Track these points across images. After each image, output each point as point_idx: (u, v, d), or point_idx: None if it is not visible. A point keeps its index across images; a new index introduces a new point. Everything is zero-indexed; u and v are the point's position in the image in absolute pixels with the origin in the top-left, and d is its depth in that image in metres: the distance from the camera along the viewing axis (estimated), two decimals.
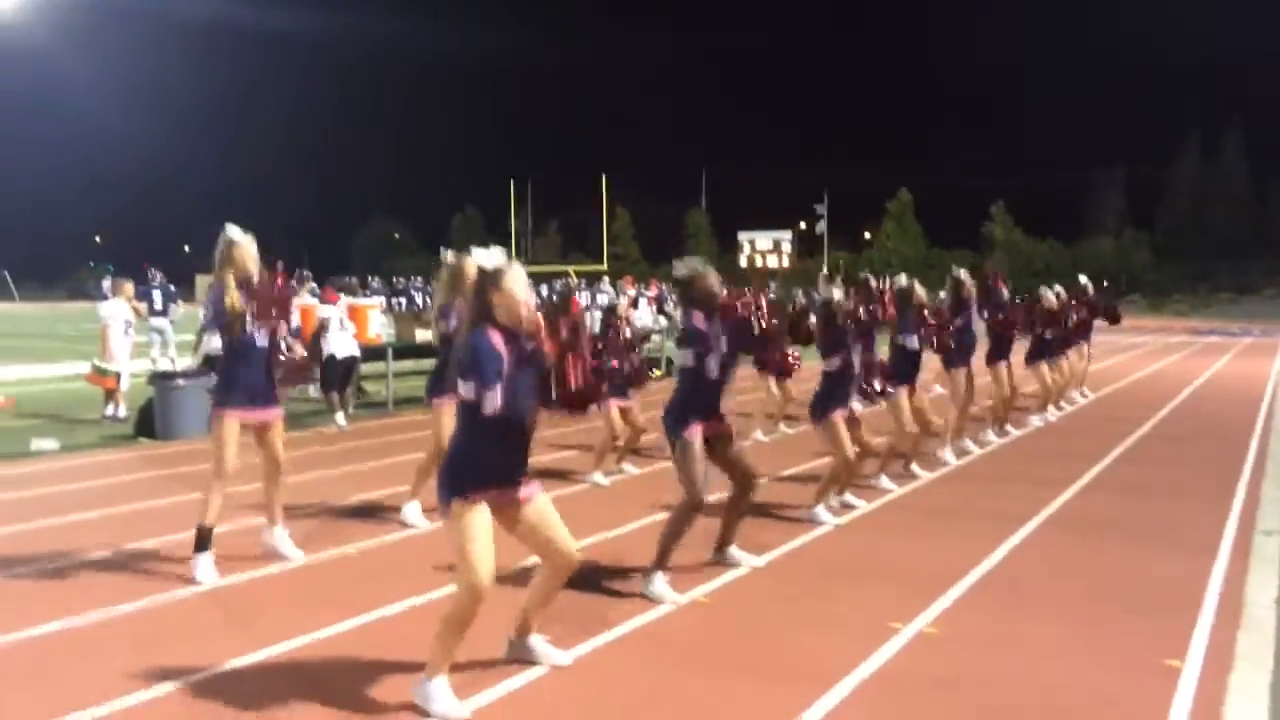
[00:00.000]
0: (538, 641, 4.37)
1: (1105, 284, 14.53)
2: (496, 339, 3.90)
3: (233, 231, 5.77)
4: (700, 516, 5.47)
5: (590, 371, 4.05)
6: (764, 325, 5.66)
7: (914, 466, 8.66)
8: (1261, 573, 5.79)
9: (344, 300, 13.28)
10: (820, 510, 7.06)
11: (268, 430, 5.87)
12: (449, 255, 6.77)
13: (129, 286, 13.65)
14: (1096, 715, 3.93)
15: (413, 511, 6.92)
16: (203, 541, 5.64)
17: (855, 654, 4.46)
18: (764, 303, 5.78)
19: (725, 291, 5.73)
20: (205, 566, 5.61)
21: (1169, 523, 7.09)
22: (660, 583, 5.32)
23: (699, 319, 5.54)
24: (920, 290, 8.67)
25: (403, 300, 21.61)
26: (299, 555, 6.00)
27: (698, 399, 5.57)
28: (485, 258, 4.05)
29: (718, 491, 5.90)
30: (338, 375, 12.03)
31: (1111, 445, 10.36)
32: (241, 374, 5.74)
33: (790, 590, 5.51)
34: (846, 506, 7.37)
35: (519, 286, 3.97)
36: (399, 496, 7.39)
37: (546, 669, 4.28)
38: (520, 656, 4.34)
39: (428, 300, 21.01)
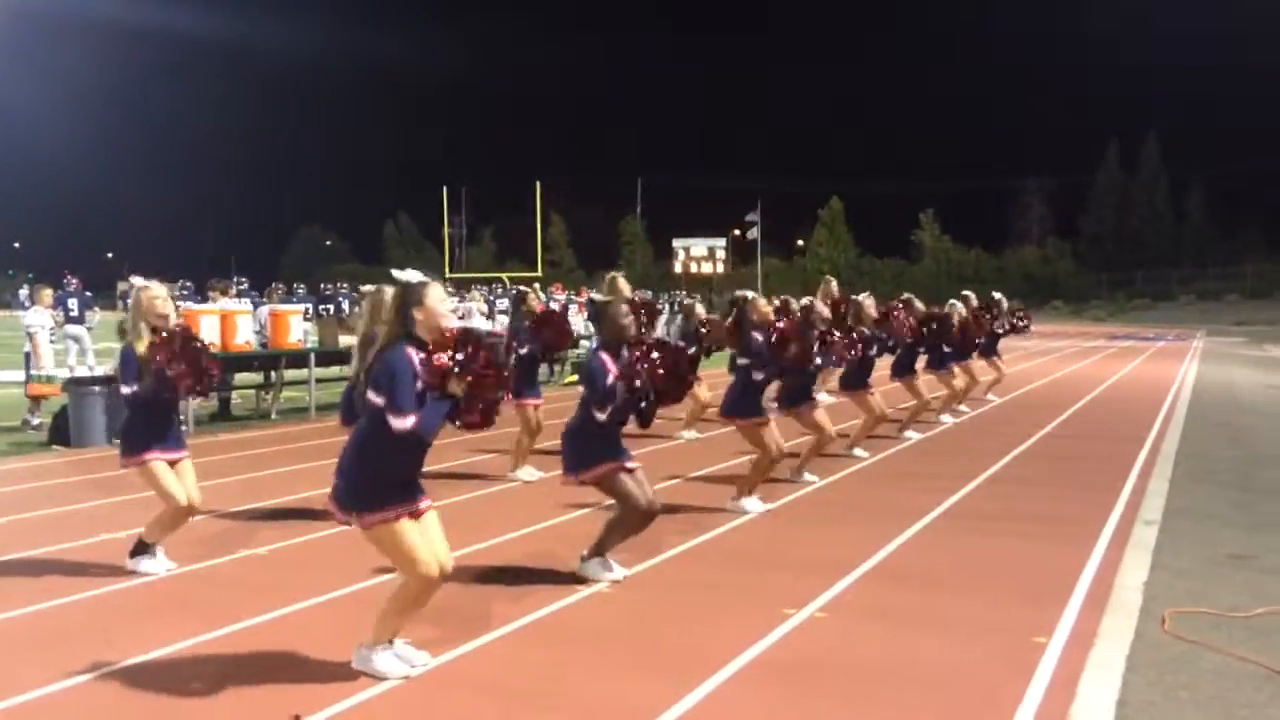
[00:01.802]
0: (401, 647, 4.34)
1: (1019, 313, 14.97)
2: (414, 356, 4.04)
3: (138, 280, 5.89)
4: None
5: (493, 403, 4.17)
6: (652, 381, 5.35)
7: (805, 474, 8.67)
8: (1135, 559, 6.13)
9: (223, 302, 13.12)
10: (747, 500, 7.35)
11: (177, 466, 5.88)
12: (370, 288, 6.97)
13: (48, 293, 13.50)
14: (961, 686, 4.18)
15: None
16: (143, 548, 5.78)
17: (746, 638, 4.67)
18: (655, 356, 5.43)
19: (634, 323, 5.71)
20: (152, 562, 5.76)
21: (1057, 514, 7.44)
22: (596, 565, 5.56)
23: (606, 360, 5.48)
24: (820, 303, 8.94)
25: (330, 307, 21.46)
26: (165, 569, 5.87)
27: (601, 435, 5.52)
28: (406, 275, 4.20)
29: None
30: None
31: (1015, 443, 10.77)
32: (156, 419, 5.76)
33: (691, 580, 5.71)
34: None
35: (440, 302, 4.14)
36: (315, 500, 7.43)
37: (449, 655, 4.42)
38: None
39: (356, 308, 20.94)
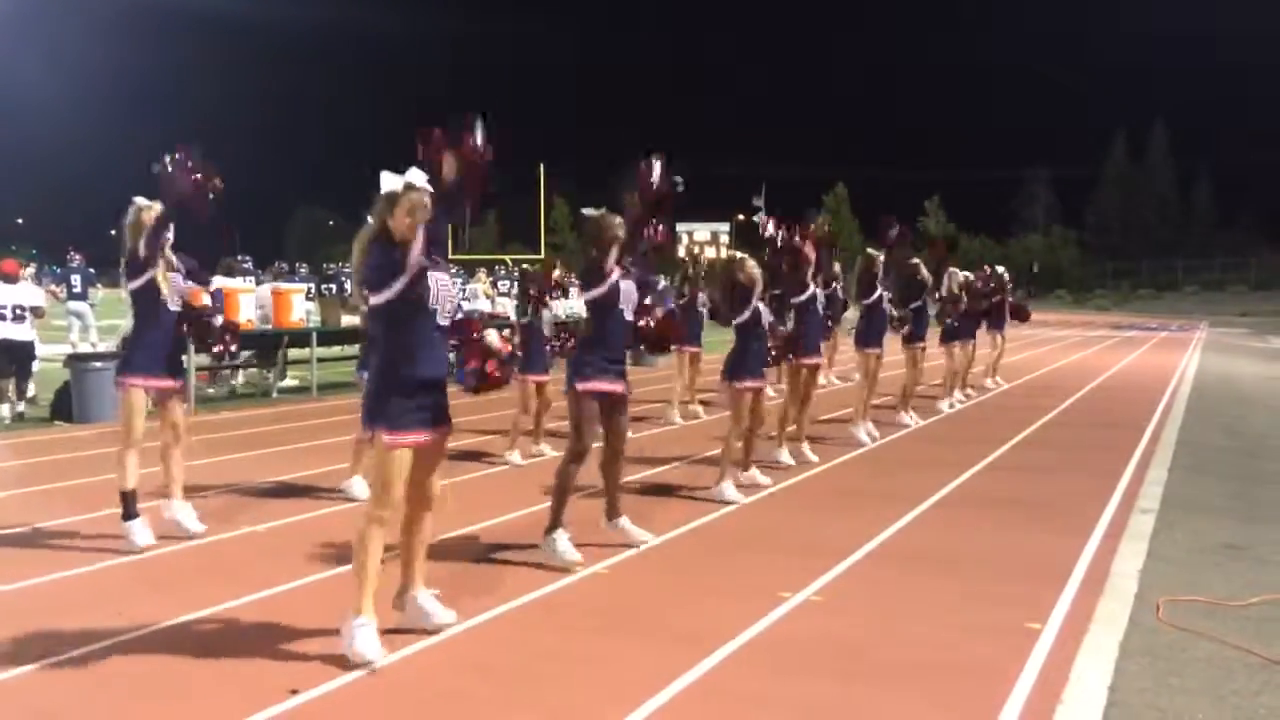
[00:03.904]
0: (426, 598, 4.51)
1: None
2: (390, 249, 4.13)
3: (140, 200, 5.87)
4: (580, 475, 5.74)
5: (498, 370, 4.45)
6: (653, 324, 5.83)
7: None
8: (1131, 546, 6.15)
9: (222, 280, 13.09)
10: (726, 487, 7.28)
11: (168, 400, 5.95)
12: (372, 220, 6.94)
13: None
14: (955, 670, 4.20)
15: (359, 486, 7.05)
16: (129, 508, 5.78)
17: (743, 620, 4.69)
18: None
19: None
20: (140, 530, 5.74)
21: (1055, 501, 7.46)
22: (563, 541, 5.56)
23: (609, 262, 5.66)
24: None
25: (332, 286, 21.44)
26: (201, 528, 6.07)
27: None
28: (388, 179, 4.22)
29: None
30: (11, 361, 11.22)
31: (1015, 430, 10.79)
32: (148, 339, 5.80)
33: (689, 563, 5.73)
34: (755, 485, 7.63)
35: (409, 211, 4.14)
36: (317, 478, 7.50)
37: (443, 635, 4.44)
38: (410, 616, 4.50)
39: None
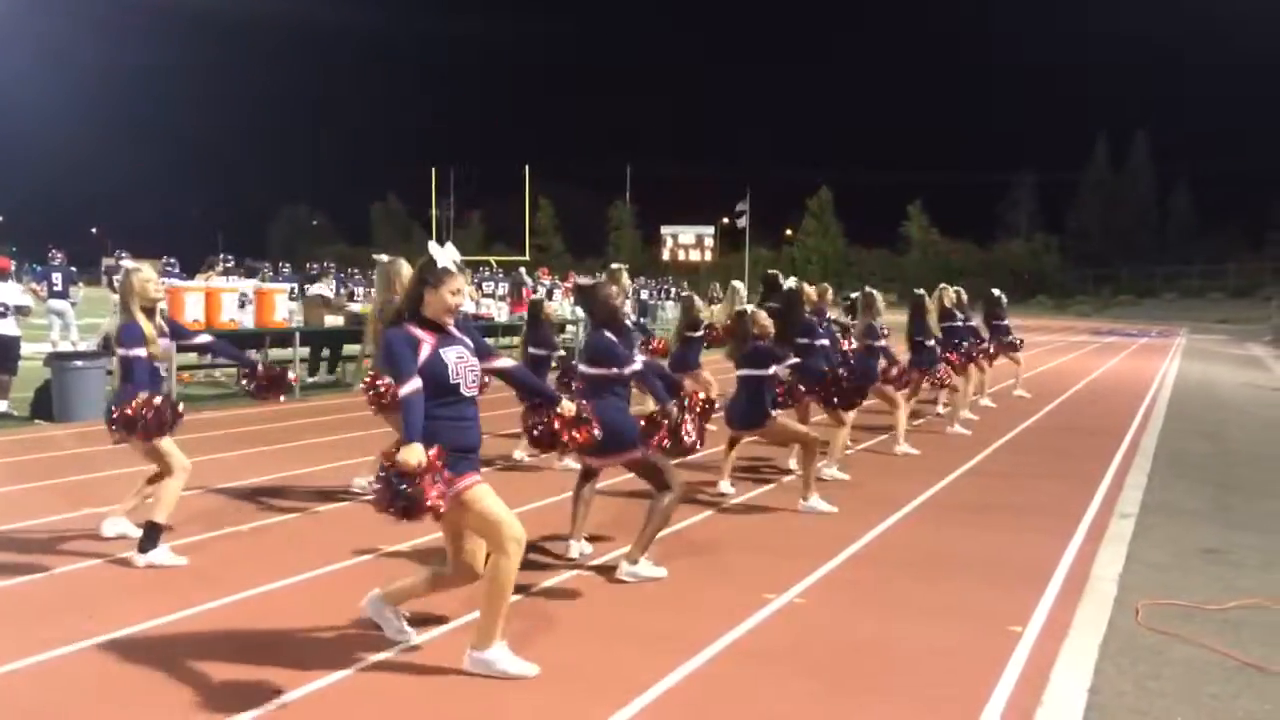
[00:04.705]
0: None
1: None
2: (411, 330, 4.04)
3: (128, 263, 5.93)
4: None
5: None
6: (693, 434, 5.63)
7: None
8: (1111, 551, 6.21)
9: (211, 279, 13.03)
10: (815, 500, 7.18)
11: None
12: (383, 257, 6.98)
13: None
14: (936, 672, 4.24)
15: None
16: (152, 539, 5.57)
17: (727, 622, 4.72)
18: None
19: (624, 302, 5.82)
20: (168, 556, 5.57)
21: (1036, 506, 7.52)
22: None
23: (609, 334, 5.58)
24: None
25: (316, 286, 21.35)
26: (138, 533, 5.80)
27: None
28: (438, 252, 4.13)
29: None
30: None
31: (998, 435, 10.86)
32: (146, 384, 5.72)
33: (673, 565, 5.73)
34: (722, 494, 7.60)
35: (452, 295, 4.07)
36: (301, 478, 7.47)
37: (428, 635, 4.44)
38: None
39: (341, 289, 20.86)
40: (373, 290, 8.09)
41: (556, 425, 4.94)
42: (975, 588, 5.43)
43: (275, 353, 14.05)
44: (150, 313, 5.71)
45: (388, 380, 6.44)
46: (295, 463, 8.46)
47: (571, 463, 8.44)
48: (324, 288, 17.31)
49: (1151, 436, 11.11)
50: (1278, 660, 4.45)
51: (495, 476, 8.18)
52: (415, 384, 3.94)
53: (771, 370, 7.13)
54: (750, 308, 7.44)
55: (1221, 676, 4.27)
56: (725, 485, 7.73)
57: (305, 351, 15.81)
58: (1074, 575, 5.66)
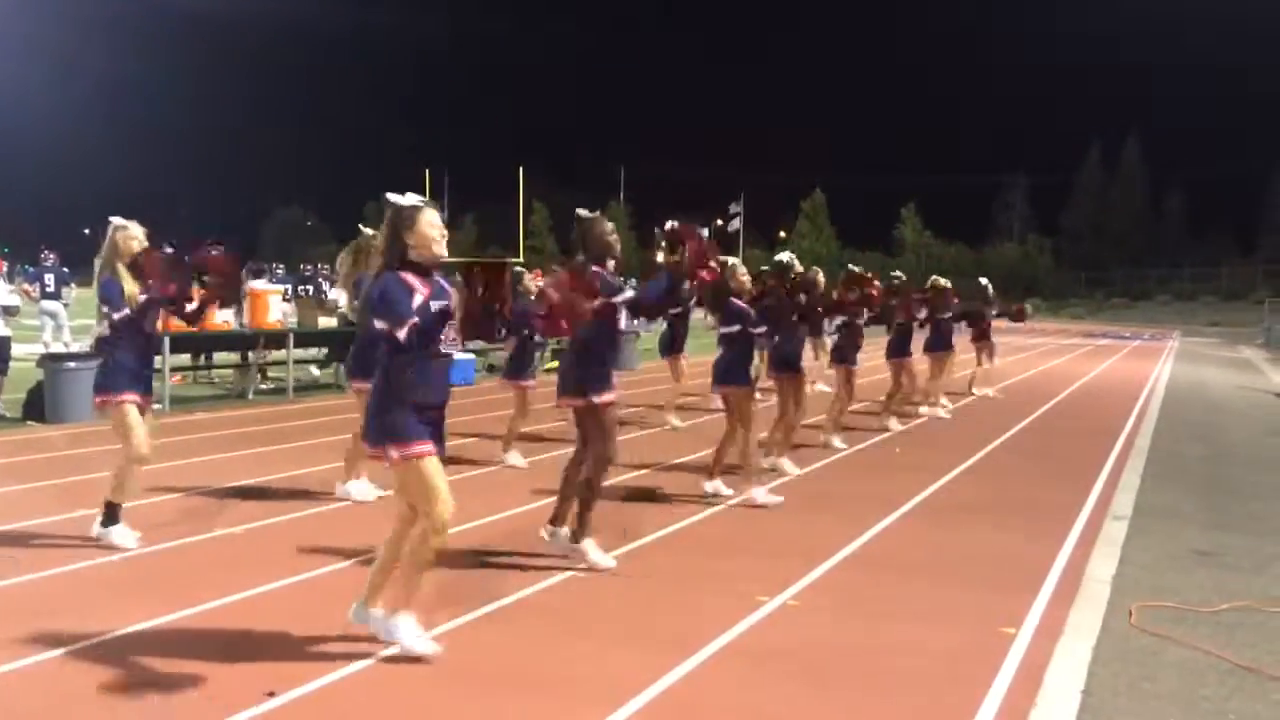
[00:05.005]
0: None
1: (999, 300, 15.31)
2: (405, 277, 4.08)
3: (116, 220, 5.87)
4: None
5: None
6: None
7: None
8: (1104, 553, 6.21)
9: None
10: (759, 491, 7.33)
11: (144, 415, 5.91)
12: (368, 231, 6.88)
13: None
14: (930, 673, 4.24)
15: (357, 488, 7.09)
16: (112, 516, 5.76)
17: (721, 624, 4.71)
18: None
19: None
20: (122, 534, 5.71)
21: (1029, 507, 7.53)
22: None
23: (603, 271, 5.67)
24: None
25: (309, 288, 21.30)
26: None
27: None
28: (399, 198, 4.18)
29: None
30: None
31: (991, 437, 10.87)
32: (131, 360, 5.77)
33: (665, 566, 5.74)
34: (719, 495, 7.59)
35: (430, 226, 4.11)
36: (293, 480, 7.45)
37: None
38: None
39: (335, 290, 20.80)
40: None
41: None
42: (969, 589, 5.44)
43: (274, 353, 14.02)
44: (135, 271, 5.69)
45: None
46: (289, 464, 8.44)
47: (518, 458, 8.55)
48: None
49: (1145, 438, 11.14)
50: (1270, 663, 4.47)
51: (489, 477, 8.18)
52: (411, 321, 3.99)
53: (739, 328, 7.27)
54: (734, 260, 7.52)
55: (1214, 678, 4.28)
56: (720, 487, 7.72)
57: (314, 352, 15.88)
58: (1067, 577, 5.66)
